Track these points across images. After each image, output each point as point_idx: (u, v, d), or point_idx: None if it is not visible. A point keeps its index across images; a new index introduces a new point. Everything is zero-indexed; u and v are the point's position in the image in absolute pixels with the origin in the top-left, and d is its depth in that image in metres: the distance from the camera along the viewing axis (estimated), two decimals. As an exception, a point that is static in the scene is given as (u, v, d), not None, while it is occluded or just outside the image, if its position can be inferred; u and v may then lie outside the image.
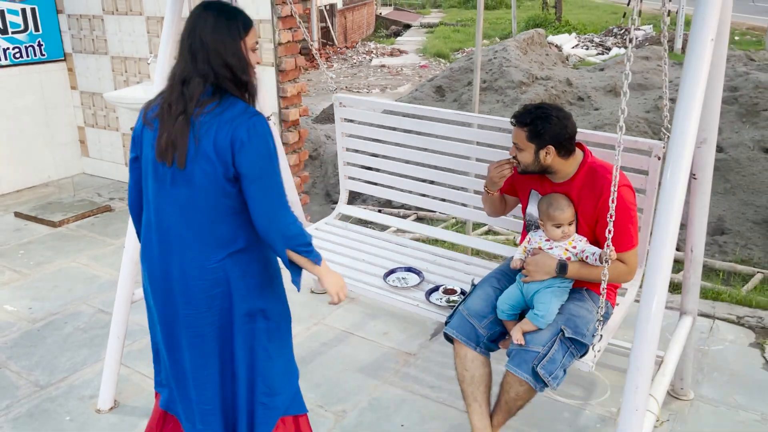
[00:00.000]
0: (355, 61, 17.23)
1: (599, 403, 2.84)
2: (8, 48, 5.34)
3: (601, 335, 2.20)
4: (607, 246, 2.05)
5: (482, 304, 2.41)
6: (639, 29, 18.65)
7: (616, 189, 2.00)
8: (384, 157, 3.43)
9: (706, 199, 2.43)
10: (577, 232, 2.33)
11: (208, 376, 1.97)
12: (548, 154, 2.28)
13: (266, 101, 3.39)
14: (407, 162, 3.35)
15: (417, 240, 4.04)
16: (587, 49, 17.22)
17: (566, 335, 2.20)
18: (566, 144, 2.29)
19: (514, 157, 2.39)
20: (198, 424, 2.01)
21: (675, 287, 3.74)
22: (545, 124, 2.25)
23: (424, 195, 3.34)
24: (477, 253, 3.82)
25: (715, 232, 4.91)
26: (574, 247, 2.30)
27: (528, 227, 2.52)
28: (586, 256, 2.27)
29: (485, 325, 2.37)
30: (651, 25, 18.51)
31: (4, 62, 5.34)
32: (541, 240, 2.36)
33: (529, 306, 2.31)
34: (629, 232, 2.25)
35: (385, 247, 3.24)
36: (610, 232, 2.02)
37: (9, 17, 5.31)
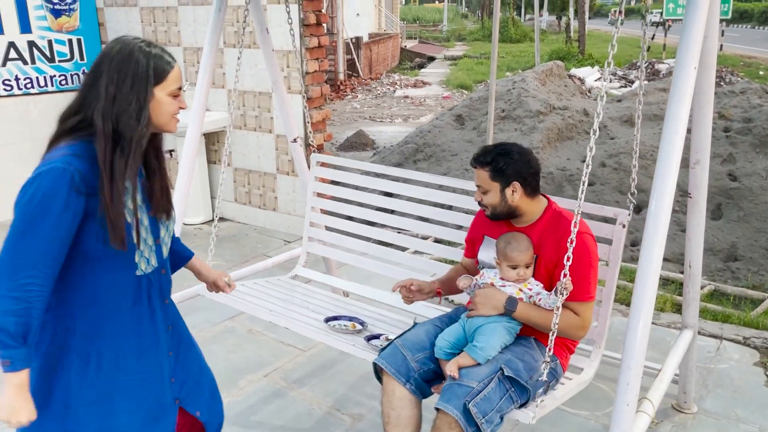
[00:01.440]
0: (379, 92, 17.63)
1: (605, 414, 2.96)
2: (55, 75, 5.73)
3: (547, 384, 2.05)
4: (564, 275, 1.96)
5: (419, 338, 2.24)
6: (662, 63, 18.80)
7: (575, 230, 1.96)
8: (354, 219, 3.33)
9: (701, 216, 2.58)
10: (534, 277, 2.20)
11: None
12: (515, 191, 2.20)
13: (293, 126, 3.63)
14: (375, 225, 3.28)
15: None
16: (610, 81, 17.39)
17: (506, 374, 2.03)
18: (531, 180, 2.22)
19: (480, 202, 2.28)
20: None
21: (679, 308, 3.85)
22: (507, 159, 2.20)
23: (388, 262, 3.23)
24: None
25: (728, 259, 5.00)
26: (530, 290, 2.16)
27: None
28: (540, 299, 2.14)
29: (419, 360, 2.18)
30: (674, 59, 18.62)
31: (50, 89, 5.72)
32: (495, 277, 2.21)
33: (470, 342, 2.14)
34: (587, 281, 2.13)
35: (333, 303, 3.10)
36: (568, 258, 1.95)
37: (56, 47, 5.71)
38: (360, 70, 19.69)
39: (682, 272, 4.11)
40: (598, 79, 17.69)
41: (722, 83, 15.38)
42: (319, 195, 3.53)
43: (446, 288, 2.45)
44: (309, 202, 3.52)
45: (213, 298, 3.06)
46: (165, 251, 1.83)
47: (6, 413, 1.55)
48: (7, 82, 5.45)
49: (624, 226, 2.39)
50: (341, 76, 18.04)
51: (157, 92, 1.67)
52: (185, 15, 5.43)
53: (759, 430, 2.84)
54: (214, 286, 2.15)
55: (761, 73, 18.22)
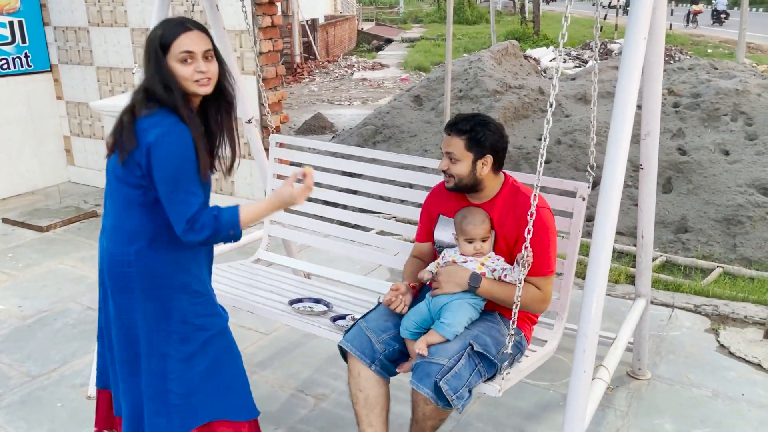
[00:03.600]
0: (337, 74, 17.48)
1: (563, 383, 3.02)
2: (-5, 59, 5.49)
3: (511, 356, 2.09)
4: (525, 247, 1.98)
5: (383, 318, 2.22)
6: (615, 43, 19.14)
7: (535, 205, 1.97)
8: (316, 201, 3.28)
9: (652, 187, 2.63)
10: (495, 252, 2.21)
11: (131, 374, 1.99)
12: (485, 165, 2.17)
13: (247, 107, 3.55)
14: (338, 206, 3.23)
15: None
16: (564, 62, 17.64)
17: (474, 350, 2.04)
18: (502, 155, 2.21)
19: (445, 171, 2.22)
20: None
21: (633, 280, 3.95)
22: (485, 130, 2.16)
23: (348, 241, 3.20)
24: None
25: (678, 231, 5.15)
26: (492, 263, 2.18)
27: (439, 252, 2.35)
28: (505, 275, 2.15)
29: (383, 341, 2.16)
30: (625, 39, 18.95)
31: (-9, 73, 5.48)
32: (456, 254, 2.22)
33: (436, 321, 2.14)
34: (547, 255, 2.15)
35: (297, 286, 3.06)
36: (529, 231, 1.97)
37: (-4, 30, 5.46)
38: (317, 53, 19.46)
39: (635, 245, 4.22)
40: (554, 59, 17.92)
41: (671, 61, 15.77)
42: (279, 177, 3.47)
43: (414, 282, 2.34)
44: (269, 184, 3.45)
45: None
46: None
47: (291, 197, 1.94)
48: (-57, 66, 5.19)
49: (584, 199, 2.41)
50: (298, 59, 17.81)
51: (170, 61, 1.84)
52: (132, -5, 5.25)
53: (712, 393, 2.94)
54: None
55: (709, 51, 18.72)
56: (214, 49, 1.92)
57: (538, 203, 2.03)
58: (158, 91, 1.84)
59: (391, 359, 2.19)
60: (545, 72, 13.58)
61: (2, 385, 3.04)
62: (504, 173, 2.31)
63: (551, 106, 1.97)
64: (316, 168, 3.19)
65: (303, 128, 10.07)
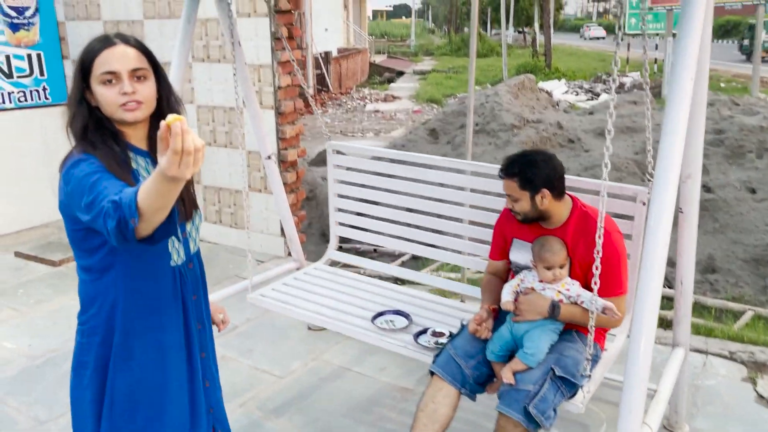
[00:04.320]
0: (349, 106, 17.57)
1: (597, 436, 2.87)
2: (13, 92, 5.48)
3: (590, 375, 2.22)
4: (595, 283, 2.08)
5: (470, 344, 2.38)
6: (627, 76, 19.17)
7: (602, 226, 2.04)
8: (376, 203, 3.41)
9: (693, 233, 2.52)
10: (570, 276, 2.34)
11: None
12: (544, 197, 2.29)
13: (266, 142, 3.49)
14: (399, 208, 3.35)
15: (405, 284, 3.94)
16: (577, 94, 17.67)
17: (557, 374, 2.19)
18: (558, 184, 2.32)
19: (511, 209, 2.39)
20: None
21: (668, 324, 3.80)
22: (533, 169, 2.28)
23: (415, 241, 3.31)
24: (463, 301, 3.83)
25: (706, 271, 5.00)
26: (567, 290, 2.30)
27: (515, 273, 2.51)
28: (581, 301, 2.27)
29: (472, 366, 2.34)
30: (638, 72, 19.01)
31: (8, 105, 5.47)
32: (534, 281, 2.35)
33: (519, 346, 2.30)
34: (619, 277, 2.29)
35: (373, 291, 3.23)
36: (597, 268, 2.05)
37: (15, 62, 5.47)
38: (329, 85, 19.61)
39: (666, 286, 4.08)
40: (565, 92, 17.96)
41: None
42: (341, 196, 3.54)
43: (494, 303, 2.51)
44: (331, 189, 3.54)
45: (264, 306, 3.21)
46: (192, 246, 1.76)
47: (166, 166, 1.25)
48: (-39, 98, 5.18)
49: (644, 204, 2.48)
50: (311, 91, 17.92)
51: (92, 82, 1.57)
52: (151, 29, 5.25)
53: (754, 449, 2.77)
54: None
55: (722, 85, 18.69)
56: (154, 66, 1.63)
57: (609, 227, 2.22)
58: (78, 126, 1.58)
59: (479, 382, 2.36)
60: (557, 104, 13.57)
61: (9, 431, 2.91)
62: (571, 196, 2.41)
63: (610, 132, 1.96)
64: (377, 174, 3.35)
65: (317, 159, 10.02)
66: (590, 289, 2.22)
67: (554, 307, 2.27)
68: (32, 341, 3.74)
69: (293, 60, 3.81)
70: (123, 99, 1.55)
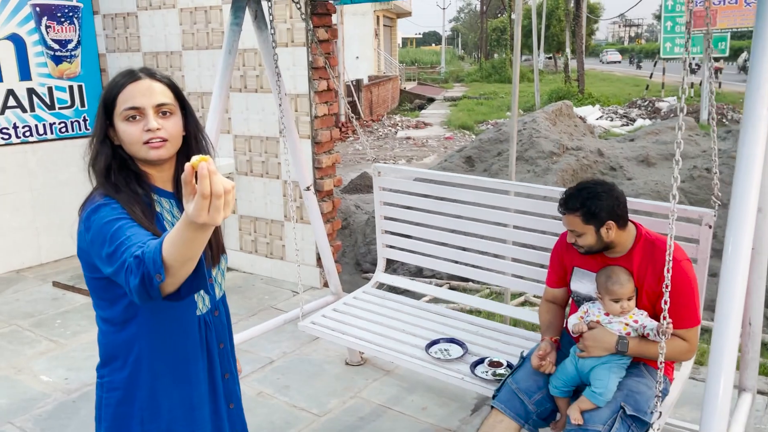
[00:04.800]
0: (381, 133, 17.61)
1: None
2: (54, 123, 5.56)
3: (661, 413, 2.10)
4: (663, 318, 1.99)
5: (532, 378, 2.31)
6: (663, 101, 18.88)
7: (671, 258, 1.93)
8: (422, 225, 3.39)
9: (763, 270, 2.35)
10: (637, 306, 2.25)
11: None
12: (609, 229, 2.21)
13: (305, 173, 3.43)
14: (445, 230, 3.31)
15: (454, 309, 3.97)
16: (611, 120, 17.42)
17: (627, 413, 2.10)
18: (622, 213, 2.23)
19: (574, 243, 2.30)
20: None
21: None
22: (596, 201, 2.19)
23: (461, 263, 3.28)
24: (515, 323, 3.73)
25: (766, 305, 4.74)
26: (636, 321, 2.20)
27: (577, 303, 2.42)
28: (647, 333, 2.17)
29: (535, 401, 2.26)
30: (674, 97, 18.71)
31: (50, 136, 5.55)
32: (600, 313, 2.25)
33: (585, 382, 2.21)
34: (692, 307, 2.18)
35: (424, 317, 3.18)
36: (666, 303, 1.96)
37: (57, 94, 5.56)
38: (361, 112, 19.71)
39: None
40: (599, 117, 17.73)
41: (724, 120, 15.36)
42: (387, 218, 3.52)
43: (556, 333, 2.45)
44: (378, 211, 3.52)
45: (315, 334, 3.19)
46: (218, 291, 1.67)
47: (194, 212, 1.15)
48: (5, 130, 5.27)
49: (710, 227, 2.41)
50: (342, 118, 18.04)
51: (115, 119, 1.48)
52: (189, 60, 5.29)
53: (833, 505, 2.55)
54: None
55: None
56: (181, 102, 1.55)
57: (678, 256, 2.11)
58: (101, 167, 1.49)
59: (542, 417, 2.28)
60: (592, 130, 13.36)
61: (43, 470, 2.85)
62: (634, 223, 2.31)
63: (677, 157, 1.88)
64: (426, 197, 3.30)
65: (349, 187, 9.99)
66: (658, 319, 2.13)
67: (622, 342, 2.18)
68: (68, 374, 3.70)
69: (336, 89, 3.77)
70: (147, 136, 1.46)
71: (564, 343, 2.39)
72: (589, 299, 2.33)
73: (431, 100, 26.28)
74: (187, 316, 1.57)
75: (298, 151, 3.36)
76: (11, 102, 5.27)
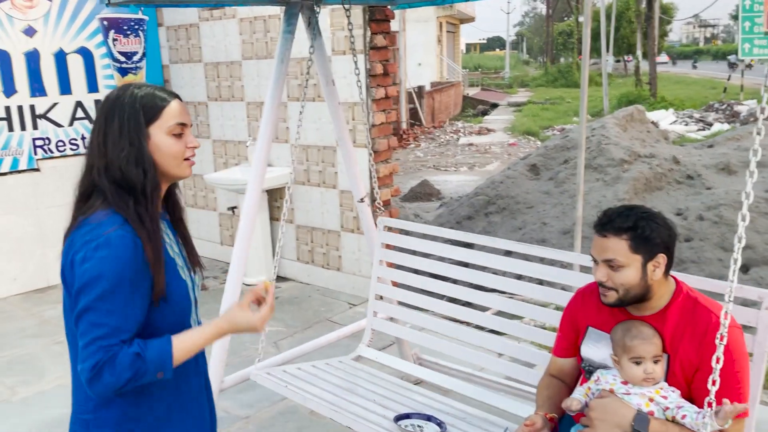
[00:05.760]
0: (442, 140, 17.40)
1: None
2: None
3: None
4: (710, 404, 1.53)
5: None
6: (742, 104, 17.84)
7: (727, 321, 1.52)
8: (422, 292, 2.96)
9: None
10: (667, 382, 1.70)
11: None
12: (657, 267, 1.69)
13: (359, 184, 3.31)
14: (442, 298, 2.89)
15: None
16: (686, 125, 16.60)
17: None
18: (673, 253, 1.75)
19: (602, 283, 1.73)
20: None
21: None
22: (652, 224, 1.69)
23: (457, 341, 2.82)
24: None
25: None
26: (664, 398, 1.64)
27: (587, 375, 1.87)
28: (683, 415, 1.61)
29: None
30: (755, 100, 17.67)
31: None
32: (615, 381, 1.71)
33: None
34: (741, 390, 1.63)
35: (403, 394, 2.66)
36: (714, 383, 1.51)
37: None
38: (422, 119, 19.58)
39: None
40: (673, 122, 16.91)
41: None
42: (389, 265, 3.14)
43: (553, 410, 1.88)
44: (375, 271, 3.13)
45: (264, 384, 2.75)
46: (198, 312, 1.64)
47: (248, 324, 1.49)
48: (73, 141, 5.42)
49: None
50: (404, 125, 17.96)
51: (153, 131, 1.46)
52: (249, 69, 5.30)
53: None
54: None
55: None
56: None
57: (729, 322, 1.55)
58: (130, 173, 1.40)
59: None
60: (667, 136, 12.74)
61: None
62: (674, 278, 1.81)
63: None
64: (429, 256, 2.92)
65: (409, 195, 9.86)
66: (697, 404, 1.63)
67: (640, 419, 1.60)
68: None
69: (395, 96, 3.64)
70: (189, 152, 1.52)
71: (564, 425, 1.85)
72: (605, 368, 1.81)
73: (495, 106, 25.86)
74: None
75: (353, 162, 3.24)
76: (79, 113, 5.42)
